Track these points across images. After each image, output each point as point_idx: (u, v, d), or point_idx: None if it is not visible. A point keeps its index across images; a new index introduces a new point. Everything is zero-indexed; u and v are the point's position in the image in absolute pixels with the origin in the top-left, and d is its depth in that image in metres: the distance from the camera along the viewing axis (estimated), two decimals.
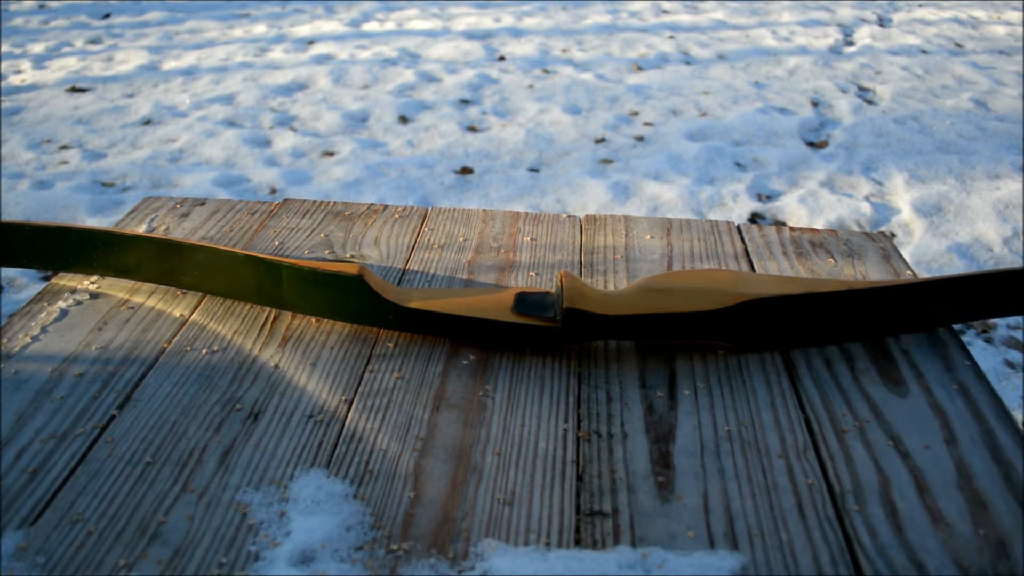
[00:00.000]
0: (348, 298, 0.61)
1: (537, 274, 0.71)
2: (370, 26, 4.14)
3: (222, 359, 0.59)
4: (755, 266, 0.73)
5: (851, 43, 4.00)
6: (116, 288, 0.67)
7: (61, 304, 0.65)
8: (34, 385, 0.55)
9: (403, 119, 2.97)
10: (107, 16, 4.29)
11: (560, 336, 0.58)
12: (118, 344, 0.60)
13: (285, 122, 2.93)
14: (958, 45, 3.96)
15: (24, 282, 1.91)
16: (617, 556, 0.43)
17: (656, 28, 4.18)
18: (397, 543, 0.44)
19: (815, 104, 3.16)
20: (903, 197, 2.34)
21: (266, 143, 2.76)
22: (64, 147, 2.72)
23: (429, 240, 0.77)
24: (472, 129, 2.89)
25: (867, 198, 2.34)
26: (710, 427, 0.53)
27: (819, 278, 0.65)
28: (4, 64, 3.48)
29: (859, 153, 2.71)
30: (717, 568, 0.42)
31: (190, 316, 0.64)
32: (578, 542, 0.44)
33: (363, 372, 0.58)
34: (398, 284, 0.69)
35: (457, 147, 2.73)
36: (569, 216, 0.81)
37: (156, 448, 0.50)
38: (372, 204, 0.83)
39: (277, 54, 3.69)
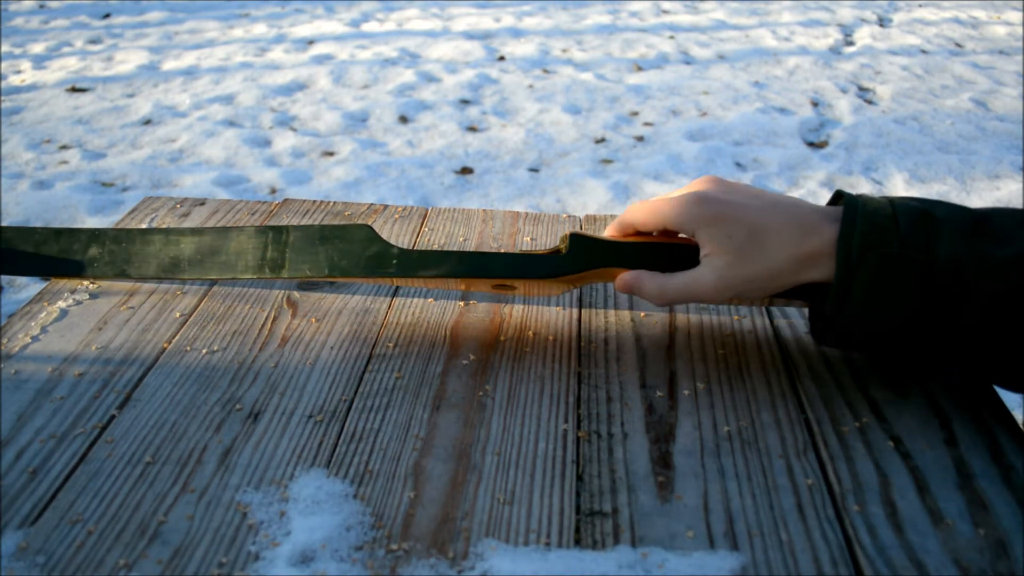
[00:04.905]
0: (352, 248, 0.61)
1: None
2: (370, 26, 4.14)
3: (222, 359, 0.59)
4: None
5: (851, 43, 4.01)
6: (116, 288, 0.67)
7: (61, 304, 0.65)
8: (34, 385, 0.55)
9: (403, 119, 2.97)
10: (107, 16, 4.29)
11: (566, 262, 0.58)
12: (118, 344, 0.60)
13: (285, 122, 2.93)
14: (958, 45, 3.96)
15: (24, 282, 1.91)
16: (617, 556, 0.43)
17: (656, 28, 4.19)
18: (397, 543, 0.44)
19: (815, 104, 3.16)
20: None
21: (266, 143, 2.77)
22: (64, 147, 2.72)
23: (429, 240, 0.77)
24: (472, 129, 2.89)
25: None
26: (710, 427, 0.53)
27: None
28: (4, 64, 3.48)
29: (859, 153, 2.71)
30: (717, 568, 0.42)
31: (190, 316, 0.64)
32: (578, 542, 0.44)
33: (363, 372, 0.58)
34: (398, 285, 0.69)
35: (457, 147, 2.73)
36: (569, 216, 0.81)
37: (156, 448, 0.50)
38: (372, 204, 0.84)
39: (277, 54, 3.69)
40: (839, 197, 0.56)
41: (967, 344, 0.52)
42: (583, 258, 0.58)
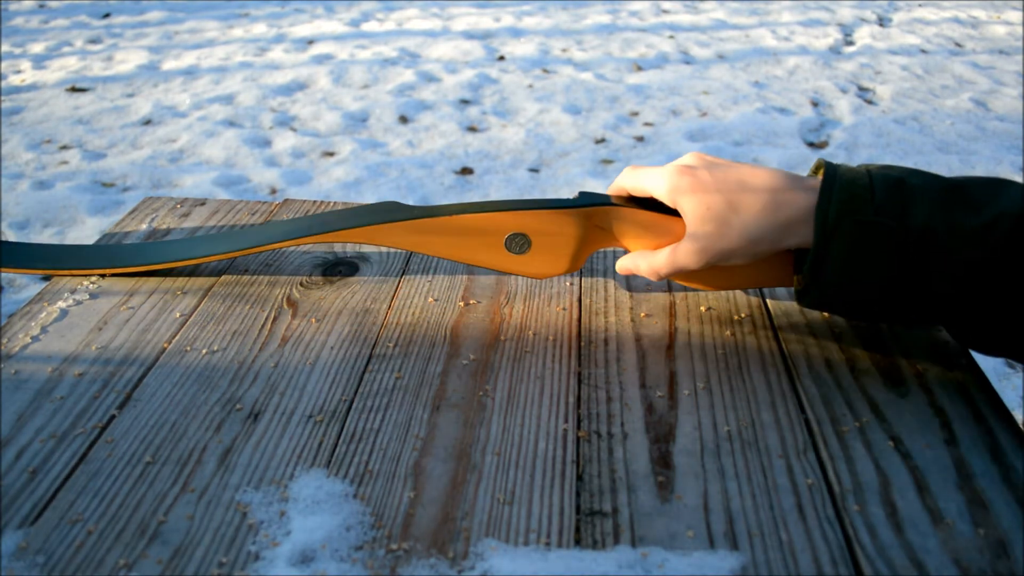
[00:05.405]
0: (375, 213, 0.64)
1: None
2: (370, 26, 4.14)
3: (222, 359, 0.59)
4: None
5: (851, 43, 4.00)
6: (116, 288, 0.67)
7: (61, 304, 0.65)
8: (34, 385, 0.55)
9: (403, 119, 2.97)
10: (107, 16, 4.29)
11: (575, 203, 0.61)
12: (118, 344, 0.60)
13: (285, 122, 2.93)
14: (958, 45, 3.96)
15: (24, 282, 1.91)
16: (617, 556, 0.43)
17: (656, 28, 4.18)
18: (397, 543, 0.44)
19: (815, 104, 3.16)
20: None
21: (266, 143, 2.76)
22: (64, 147, 2.72)
23: None
24: (472, 129, 2.89)
25: None
26: (710, 427, 0.53)
27: None
28: (4, 64, 3.48)
29: (859, 153, 2.71)
30: (717, 568, 0.43)
31: (190, 316, 0.64)
32: (578, 542, 0.44)
33: (363, 372, 0.58)
34: (398, 285, 0.69)
35: (457, 147, 2.73)
36: None
37: (156, 448, 0.50)
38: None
39: (277, 54, 3.69)
40: (820, 166, 0.58)
41: (942, 310, 0.53)
42: (591, 201, 0.61)
